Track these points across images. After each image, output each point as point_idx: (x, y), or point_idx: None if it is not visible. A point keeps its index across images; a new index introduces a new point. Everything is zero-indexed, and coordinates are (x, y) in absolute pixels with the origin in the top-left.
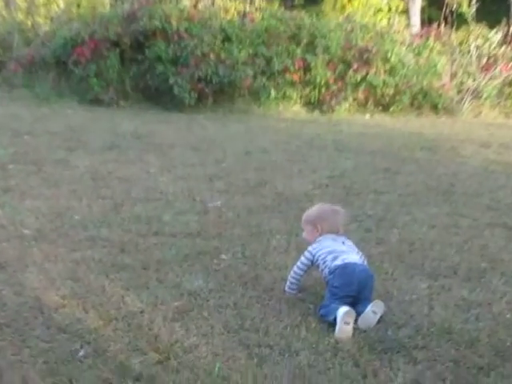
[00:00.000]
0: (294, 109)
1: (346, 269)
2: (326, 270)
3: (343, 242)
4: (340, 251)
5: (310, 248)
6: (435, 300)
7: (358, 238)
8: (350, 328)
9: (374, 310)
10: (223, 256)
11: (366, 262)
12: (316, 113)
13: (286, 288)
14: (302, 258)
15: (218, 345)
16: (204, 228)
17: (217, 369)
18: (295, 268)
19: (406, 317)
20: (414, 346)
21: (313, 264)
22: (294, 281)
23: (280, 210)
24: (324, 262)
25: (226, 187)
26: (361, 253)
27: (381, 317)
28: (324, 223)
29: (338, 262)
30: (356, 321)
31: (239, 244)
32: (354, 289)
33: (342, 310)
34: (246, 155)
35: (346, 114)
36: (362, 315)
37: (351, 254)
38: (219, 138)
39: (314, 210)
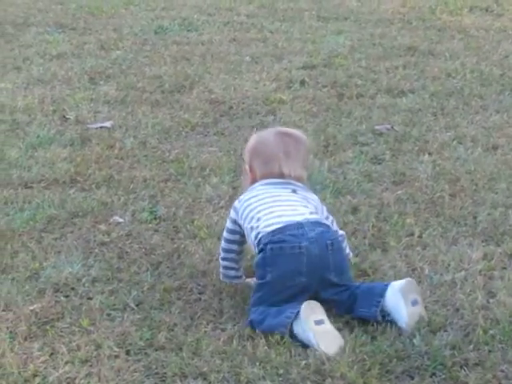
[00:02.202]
0: None
1: (282, 245)
2: (255, 242)
3: (294, 191)
4: (280, 203)
5: (235, 202)
6: (497, 280)
7: (359, 173)
8: (330, 328)
9: (413, 300)
10: (117, 218)
11: (336, 230)
12: None
13: (221, 276)
14: (227, 223)
15: (109, 377)
16: (82, 169)
17: None
18: (223, 242)
19: (447, 312)
20: (462, 362)
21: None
22: (226, 263)
23: (218, 130)
24: (252, 228)
25: (120, 94)
26: (326, 213)
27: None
28: (257, 160)
29: (271, 226)
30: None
31: (146, 195)
32: (301, 279)
33: (301, 306)
34: (156, 35)
35: None
36: (407, 317)
37: (294, 204)
38: (108, 6)
39: (253, 138)
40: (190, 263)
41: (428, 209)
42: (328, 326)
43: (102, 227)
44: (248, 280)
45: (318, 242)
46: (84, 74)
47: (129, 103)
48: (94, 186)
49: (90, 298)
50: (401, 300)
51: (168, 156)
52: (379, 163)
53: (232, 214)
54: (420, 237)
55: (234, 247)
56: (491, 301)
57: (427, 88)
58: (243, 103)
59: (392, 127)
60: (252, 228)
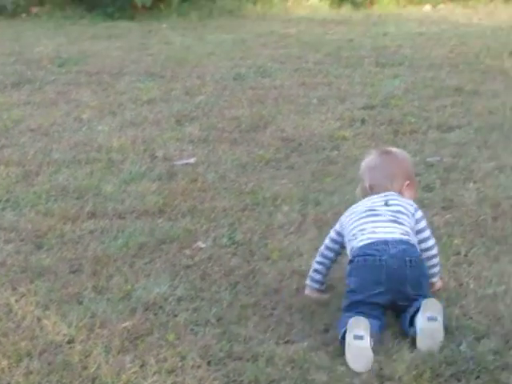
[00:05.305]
0: (311, 3)
1: (366, 257)
2: (349, 254)
3: (386, 202)
4: (372, 218)
5: (342, 216)
6: None
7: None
8: (364, 345)
9: (429, 316)
10: (200, 244)
11: (428, 236)
12: (346, 7)
13: (308, 280)
14: (331, 233)
15: None
16: (169, 201)
17: None
18: (321, 247)
19: (489, 321)
20: (503, 366)
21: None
22: (317, 266)
23: (289, 164)
24: (349, 241)
25: (203, 133)
26: (417, 217)
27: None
28: (367, 175)
29: (362, 241)
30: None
31: (226, 223)
32: (380, 289)
33: (350, 320)
34: (234, 81)
35: (394, 7)
36: (419, 332)
37: (387, 223)
38: (193, 56)
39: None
40: (264, 282)
41: (473, 230)
42: (365, 343)
43: (187, 252)
44: (320, 295)
45: (398, 257)
46: (171, 116)
47: (210, 142)
48: (179, 215)
49: (175, 315)
50: (420, 316)
51: (244, 188)
52: (430, 191)
53: (336, 225)
54: (466, 255)
55: (331, 255)
56: None
57: (472, 124)
58: (311, 140)
59: (441, 159)
60: (349, 241)
